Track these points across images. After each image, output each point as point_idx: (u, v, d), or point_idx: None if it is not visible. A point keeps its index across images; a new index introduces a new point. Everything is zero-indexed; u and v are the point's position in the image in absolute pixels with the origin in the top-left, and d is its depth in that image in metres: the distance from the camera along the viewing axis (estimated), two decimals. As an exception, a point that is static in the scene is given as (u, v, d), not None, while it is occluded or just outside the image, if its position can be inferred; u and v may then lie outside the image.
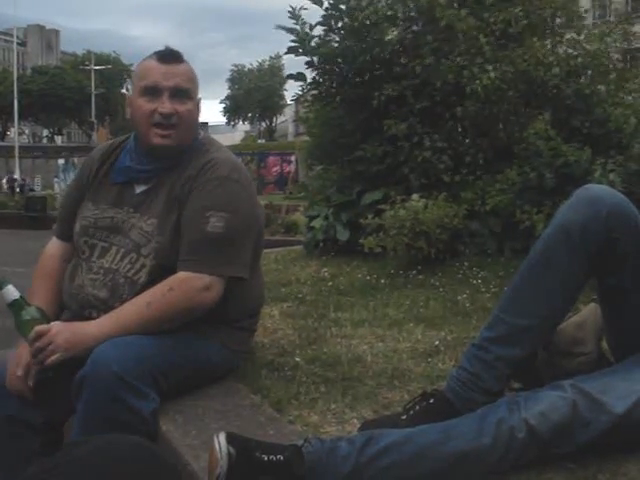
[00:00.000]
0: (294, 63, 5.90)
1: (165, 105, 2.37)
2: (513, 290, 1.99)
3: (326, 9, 5.61)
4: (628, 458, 1.79)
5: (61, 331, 2.20)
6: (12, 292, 2.25)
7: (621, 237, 1.89)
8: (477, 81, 5.00)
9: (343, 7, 5.61)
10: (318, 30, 5.71)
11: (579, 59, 5.44)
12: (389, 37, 5.55)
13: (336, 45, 5.71)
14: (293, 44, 5.72)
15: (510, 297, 1.99)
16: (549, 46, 5.61)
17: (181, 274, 2.30)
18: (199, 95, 2.51)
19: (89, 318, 2.35)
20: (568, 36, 5.81)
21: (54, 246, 2.64)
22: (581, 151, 4.65)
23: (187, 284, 2.28)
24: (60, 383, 2.22)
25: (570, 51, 5.64)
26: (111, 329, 2.20)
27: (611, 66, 5.54)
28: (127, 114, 2.52)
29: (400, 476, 1.70)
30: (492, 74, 5.01)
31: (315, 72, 5.84)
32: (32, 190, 29.68)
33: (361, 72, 5.71)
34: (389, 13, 5.53)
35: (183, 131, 2.42)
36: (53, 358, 2.17)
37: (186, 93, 2.42)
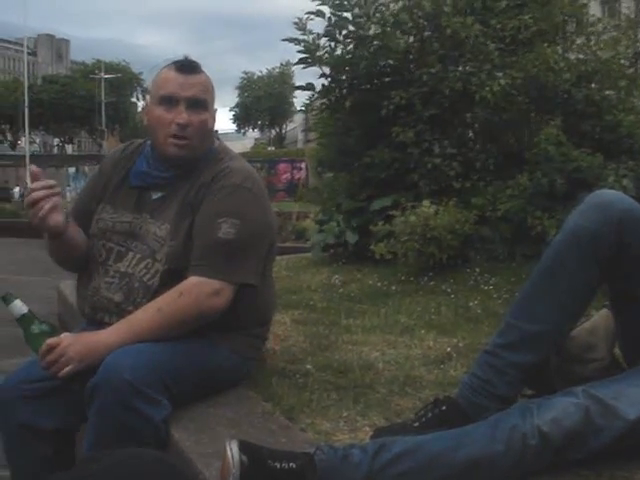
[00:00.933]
0: (304, 71, 5.90)
1: (182, 116, 2.38)
2: (524, 296, 1.99)
3: (329, 19, 5.61)
4: (641, 464, 1.78)
5: (73, 343, 2.20)
6: (20, 307, 2.24)
7: (632, 242, 1.88)
8: (487, 88, 5.00)
9: (348, 15, 5.62)
10: (324, 40, 5.71)
11: (590, 64, 5.43)
12: (397, 45, 5.54)
13: (342, 53, 5.71)
14: (301, 55, 5.73)
15: (521, 303, 1.98)
16: (560, 51, 5.60)
17: (191, 279, 2.30)
18: (215, 105, 2.53)
19: (102, 322, 2.36)
20: (579, 41, 5.81)
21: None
22: (593, 156, 4.64)
23: (197, 289, 2.28)
24: (72, 391, 2.22)
25: (581, 57, 5.63)
26: (123, 337, 2.20)
27: (621, 73, 5.53)
28: (144, 121, 2.54)
29: (413, 483, 1.69)
30: (502, 81, 5.01)
31: (324, 80, 5.84)
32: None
33: (369, 79, 5.71)
34: (397, 20, 5.52)
35: (198, 141, 2.43)
36: (67, 370, 2.17)
37: (203, 104, 2.43)
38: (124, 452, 1.35)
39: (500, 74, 5.07)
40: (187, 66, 2.45)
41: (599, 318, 2.16)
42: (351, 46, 5.69)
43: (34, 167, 2.36)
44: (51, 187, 2.26)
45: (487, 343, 2.04)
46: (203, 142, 2.47)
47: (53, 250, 2.50)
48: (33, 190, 2.26)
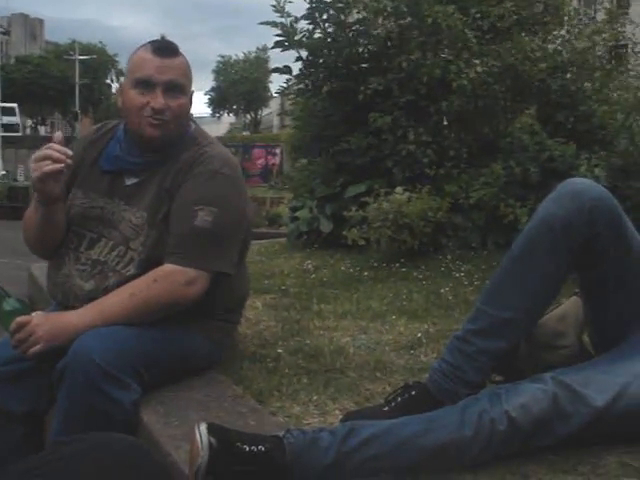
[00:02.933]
0: (280, 55, 5.88)
1: (158, 100, 2.32)
2: (495, 283, 1.99)
3: (310, 2, 5.59)
4: (608, 450, 1.80)
5: (42, 322, 2.18)
6: None
7: (603, 231, 1.89)
8: (464, 75, 5.01)
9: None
10: (303, 23, 5.69)
11: (566, 55, 5.46)
12: (377, 31, 5.53)
13: (321, 36, 5.69)
14: (279, 38, 5.70)
15: (492, 290, 1.99)
16: (537, 41, 5.62)
17: (166, 267, 2.28)
18: (192, 88, 2.48)
19: (73, 308, 2.33)
20: (557, 32, 5.83)
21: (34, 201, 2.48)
22: (566, 146, 4.68)
23: (171, 277, 2.27)
24: (41, 373, 2.21)
25: (559, 48, 5.66)
26: (93, 319, 2.19)
27: (597, 64, 5.57)
28: (118, 103, 2.48)
29: (382, 467, 1.70)
30: (479, 68, 5.02)
31: (301, 64, 5.82)
32: (15, 180, 29.48)
33: (347, 64, 5.70)
34: (379, 6, 5.50)
35: (174, 125, 2.39)
36: (35, 349, 2.15)
37: (180, 88, 2.38)
38: (95, 436, 1.34)
39: (477, 61, 5.07)
40: (164, 48, 2.39)
41: (569, 305, 2.17)
42: (330, 29, 5.67)
43: (59, 133, 2.34)
44: (67, 156, 2.23)
45: (458, 329, 2.04)
46: (179, 126, 2.42)
47: (36, 225, 2.43)
48: (51, 148, 2.23)
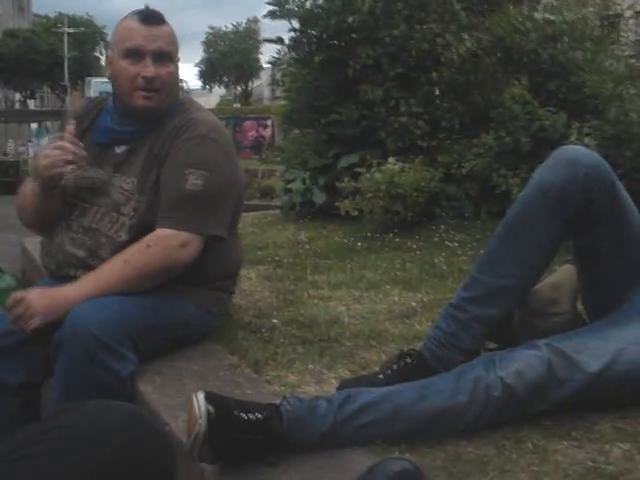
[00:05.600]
0: (271, 26, 5.85)
1: (149, 69, 2.34)
2: (490, 250, 2.01)
3: None
4: (602, 416, 1.82)
5: (38, 296, 2.19)
6: None
7: (597, 198, 1.90)
8: (453, 49, 4.99)
9: None
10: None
11: (556, 25, 5.43)
12: (359, 6, 5.45)
13: (311, 6, 5.65)
14: (271, 7, 5.66)
15: (487, 258, 2.00)
16: (525, 11, 5.59)
17: (158, 231, 2.30)
18: (179, 57, 2.49)
19: (67, 276, 2.34)
20: (545, 1, 5.80)
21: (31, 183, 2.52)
22: (557, 115, 4.67)
23: (164, 241, 2.28)
24: (37, 344, 2.21)
25: (547, 16, 5.62)
26: (90, 290, 2.20)
27: (588, 33, 5.54)
28: (107, 74, 2.49)
29: (378, 434, 1.72)
30: (468, 43, 4.99)
31: (293, 34, 5.79)
32: (5, 155, 29.29)
33: (338, 35, 5.66)
34: None
35: (165, 93, 2.41)
36: (32, 323, 2.16)
37: (168, 56, 2.40)
38: (95, 403, 1.34)
39: (466, 36, 5.05)
40: (151, 17, 2.40)
41: (562, 273, 2.19)
42: (321, 0, 5.62)
43: (72, 126, 2.35)
44: (80, 157, 2.28)
45: (452, 298, 2.06)
46: (170, 94, 2.44)
47: (33, 205, 2.45)
48: (65, 148, 2.25)
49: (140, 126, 2.46)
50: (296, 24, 5.71)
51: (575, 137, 4.35)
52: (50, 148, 2.27)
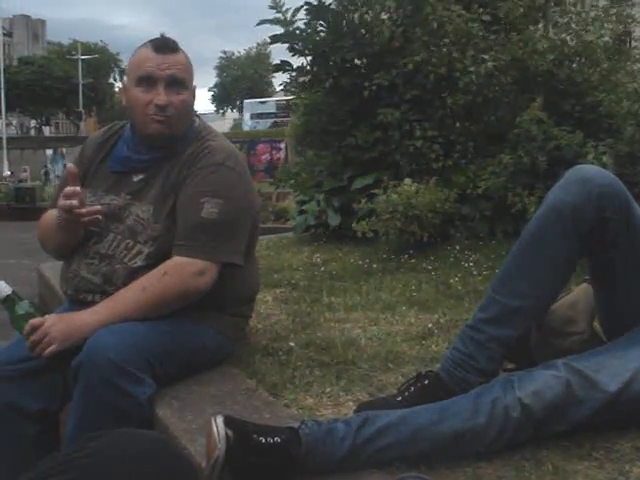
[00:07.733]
0: (282, 50, 5.84)
1: (160, 97, 2.36)
2: (505, 271, 2.00)
3: (307, 10, 5.55)
4: (621, 435, 1.81)
5: (56, 323, 2.20)
6: (4, 288, 2.25)
7: (612, 217, 1.90)
8: (472, 74, 4.99)
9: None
10: (302, 13, 5.62)
11: (572, 45, 5.43)
12: (382, 33, 5.47)
13: (323, 35, 5.64)
14: (277, 32, 5.66)
15: (503, 278, 2.00)
16: (542, 31, 5.60)
17: (175, 259, 2.31)
18: (194, 83, 2.51)
19: (85, 302, 2.36)
20: (560, 20, 5.80)
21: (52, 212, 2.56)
22: (572, 135, 4.66)
23: (181, 269, 2.29)
24: (56, 370, 2.22)
25: (563, 36, 5.62)
26: (107, 316, 2.20)
27: (602, 56, 5.54)
28: (123, 101, 2.52)
29: (396, 456, 1.71)
30: (489, 64, 5.00)
31: (303, 58, 5.79)
32: (21, 181, 29.50)
33: (351, 61, 5.68)
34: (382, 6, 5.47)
35: (178, 120, 2.42)
36: (50, 350, 2.16)
37: (182, 83, 2.41)
38: (121, 432, 1.34)
39: (486, 56, 5.05)
40: (164, 45, 2.42)
41: (579, 292, 2.18)
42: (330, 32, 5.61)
43: (72, 167, 2.40)
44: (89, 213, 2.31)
45: (468, 319, 2.05)
46: (184, 121, 2.46)
47: (53, 235, 2.48)
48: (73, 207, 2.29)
49: (156, 154, 2.47)
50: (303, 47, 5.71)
51: (593, 156, 4.35)
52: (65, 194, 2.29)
